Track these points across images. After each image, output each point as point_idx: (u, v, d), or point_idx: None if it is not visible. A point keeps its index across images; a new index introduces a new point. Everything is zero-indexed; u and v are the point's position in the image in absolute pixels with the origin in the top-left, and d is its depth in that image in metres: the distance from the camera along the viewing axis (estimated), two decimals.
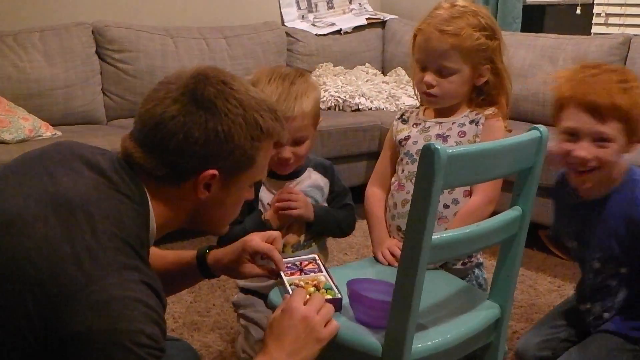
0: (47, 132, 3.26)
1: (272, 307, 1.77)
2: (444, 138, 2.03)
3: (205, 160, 1.37)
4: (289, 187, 2.05)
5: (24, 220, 1.22)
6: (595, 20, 4.19)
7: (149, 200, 1.37)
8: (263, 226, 1.98)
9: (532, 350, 2.14)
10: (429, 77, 1.99)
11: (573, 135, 1.88)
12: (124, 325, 1.17)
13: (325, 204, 2.14)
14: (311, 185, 2.11)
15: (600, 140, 1.85)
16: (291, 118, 1.93)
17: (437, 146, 1.35)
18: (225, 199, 1.45)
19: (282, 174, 2.05)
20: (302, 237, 2.09)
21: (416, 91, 2.14)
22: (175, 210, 1.42)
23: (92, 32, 3.77)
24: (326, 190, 2.14)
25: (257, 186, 2.02)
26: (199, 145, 1.35)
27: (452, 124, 2.05)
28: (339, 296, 1.69)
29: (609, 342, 2.03)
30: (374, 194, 2.18)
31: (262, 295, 2.16)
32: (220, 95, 1.37)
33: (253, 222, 2.01)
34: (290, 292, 1.69)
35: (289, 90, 1.95)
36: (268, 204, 2.05)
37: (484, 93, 2.05)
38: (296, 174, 2.09)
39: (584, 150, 1.86)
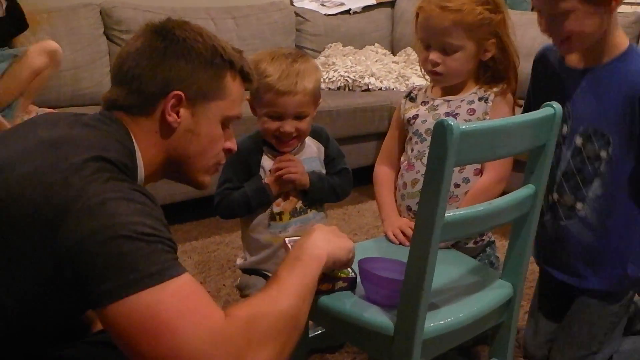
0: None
1: None
2: (453, 116, 2.01)
3: (167, 82, 1.41)
4: (288, 155, 2.13)
5: (12, 163, 1.26)
6: None
7: (134, 141, 1.41)
8: (263, 190, 2.10)
9: (540, 353, 2.16)
10: (434, 56, 1.97)
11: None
12: (123, 219, 1.18)
13: (324, 170, 2.21)
14: (309, 156, 2.18)
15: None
16: (293, 92, 2.02)
17: (450, 122, 1.33)
18: (197, 128, 1.47)
19: (284, 151, 2.13)
20: (299, 204, 2.17)
21: (424, 71, 2.12)
22: (154, 145, 1.44)
23: (100, 13, 3.75)
24: (322, 156, 2.21)
25: (258, 156, 2.13)
26: (160, 68, 1.41)
27: (461, 101, 2.03)
28: (353, 275, 1.68)
29: (589, 315, 2.02)
30: (382, 172, 2.17)
31: (265, 274, 2.17)
32: (179, 27, 1.45)
33: (253, 186, 2.11)
34: None
35: (291, 67, 2.03)
36: (270, 170, 2.13)
37: (491, 69, 2.03)
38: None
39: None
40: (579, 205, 1.96)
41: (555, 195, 2.00)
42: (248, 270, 2.22)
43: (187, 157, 1.48)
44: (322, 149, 2.22)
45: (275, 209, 2.15)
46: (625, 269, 1.94)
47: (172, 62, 1.42)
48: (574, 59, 1.94)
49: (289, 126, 2.06)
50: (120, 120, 1.42)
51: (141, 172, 1.42)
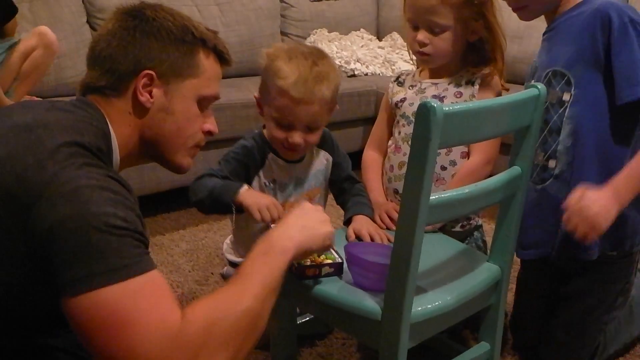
0: None
1: None
2: (440, 99, 2.01)
3: (138, 61, 1.40)
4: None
5: None
6: None
7: (109, 124, 1.40)
8: (230, 200, 1.85)
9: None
10: (421, 36, 1.97)
11: None
12: (94, 209, 1.16)
13: (325, 182, 2.10)
14: (317, 169, 2.06)
15: None
16: (309, 102, 1.85)
17: (433, 104, 1.32)
18: (171, 107, 1.45)
19: (289, 159, 2.00)
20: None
21: (412, 55, 2.11)
22: (128, 126, 1.43)
23: (82, 1, 3.71)
24: (329, 165, 2.09)
25: (259, 162, 1.98)
26: (130, 47, 1.40)
27: (448, 84, 2.03)
28: (339, 260, 1.67)
29: (582, 307, 1.95)
30: (371, 157, 2.16)
31: None
32: (150, 8, 1.46)
33: (227, 189, 1.88)
34: None
35: (310, 71, 1.85)
36: (265, 183, 2.00)
37: (479, 51, 2.02)
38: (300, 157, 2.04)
39: None
40: (551, 163, 1.88)
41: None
42: (234, 264, 2.21)
43: (162, 136, 1.46)
44: (330, 158, 2.09)
45: (274, 224, 2.00)
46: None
47: (142, 41, 1.41)
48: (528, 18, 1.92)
49: (298, 137, 1.90)
50: (95, 103, 1.41)
51: (116, 155, 1.41)
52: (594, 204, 1.64)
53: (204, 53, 1.48)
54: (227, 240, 2.27)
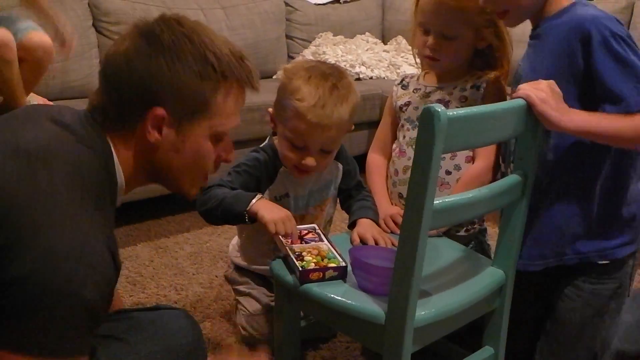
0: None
1: (275, 276, 1.76)
2: (445, 103, 2.01)
3: (149, 97, 1.31)
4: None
5: None
6: None
7: (112, 149, 1.34)
8: (243, 209, 1.80)
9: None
10: (432, 41, 1.96)
11: None
12: (60, 281, 1.12)
13: (335, 191, 2.08)
14: (326, 180, 2.04)
15: None
16: (327, 127, 1.80)
17: (437, 109, 1.33)
18: (182, 146, 1.37)
19: (298, 178, 1.96)
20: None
21: (416, 58, 2.11)
22: (136, 157, 1.37)
23: (88, 4, 3.71)
24: (340, 174, 2.07)
25: (271, 175, 1.95)
26: (141, 79, 1.30)
27: (454, 88, 2.03)
28: (343, 264, 1.68)
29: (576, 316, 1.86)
30: (375, 160, 2.16)
31: (258, 274, 2.16)
32: (168, 30, 1.32)
33: (239, 198, 1.82)
34: (295, 259, 1.68)
35: (329, 94, 1.79)
36: (276, 197, 1.96)
37: (486, 56, 2.02)
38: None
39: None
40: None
41: (506, 168, 1.91)
42: (240, 268, 2.21)
43: (170, 171, 1.41)
44: (340, 167, 2.06)
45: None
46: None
47: (156, 76, 1.30)
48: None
49: (312, 161, 1.86)
50: (101, 127, 1.34)
51: (121, 179, 1.36)
52: (552, 92, 1.61)
53: (224, 89, 1.36)
54: (233, 242, 2.26)
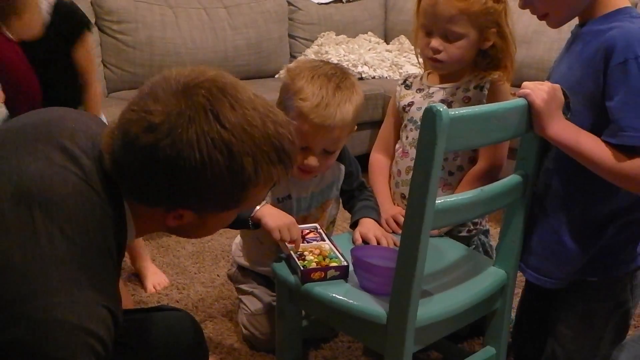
0: None
1: (276, 276, 1.76)
2: (448, 104, 2.00)
3: (174, 201, 1.22)
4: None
5: None
6: None
7: (126, 209, 1.27)
8: (247, 216, 1.78)
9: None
10: (436, 42, 1.94)
11: None
12: (52, 350, 1.08)
13: (337, 192, 2.06)
14: (330, 181, 2.02)
15: None
16: (330, 128, 1.78)
17: (439, 108, 1.33)
18: (204, 224, 1.31)
19: (300, 179, 1.93)
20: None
21: (419, 58, 2.10)
22: (151, 224, 1.31)
23: (91, 3, 3.71)
24: (342, 175, 2.05)
25: None
26: (167, 186, 1.19)
27: (457, 89, 2.02)
28: (345, 264, 1.68)
29: (580, 329, 1.80)
30: (378, 160, 2.15)
31: (259, 275, 2.15)
32: (206, 134, 1.16)
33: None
34: (296, 259, 1.68)
35: (333, 95, 1.77)
36: (277, 199, 1.93)
37: (490, 57, 2.02)
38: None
39: None
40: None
41: None
42: (243, 267, 2.20)
43: (190, 236, 1.37)
44: (343, 168, 2.04)
45: None
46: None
47: (181, 185, 1.18)
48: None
49: (314, 161, 1.84)
50: (118, 186, 1.24)
51: (131, 236, 1.31)
52: (553, 97, 1.58)
53: (254, 190, 1.26)
54: (236, 241, 2.25)
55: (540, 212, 1.73)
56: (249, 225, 1.79)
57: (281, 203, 1.94)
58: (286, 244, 1.75)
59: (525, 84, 1.60)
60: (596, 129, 1.58)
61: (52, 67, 2.31)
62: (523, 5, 1.73)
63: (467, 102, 1.99)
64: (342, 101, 1.79)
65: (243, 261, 2.18)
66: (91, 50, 2.38)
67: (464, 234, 2.04)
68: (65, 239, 1.12)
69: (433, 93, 2.05)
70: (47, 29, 2.25)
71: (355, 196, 2.07)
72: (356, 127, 1.92)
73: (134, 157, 1.18)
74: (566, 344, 1.81)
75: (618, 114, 1.53)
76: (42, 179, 1.16)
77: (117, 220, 1.23)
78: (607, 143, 1.55)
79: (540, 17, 1.74)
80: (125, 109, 1.21)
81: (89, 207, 1.18)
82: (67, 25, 2.27)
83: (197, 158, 1.15)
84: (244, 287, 2.18)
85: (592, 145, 1.56)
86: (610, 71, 1.53)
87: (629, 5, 1.65)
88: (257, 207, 1.77)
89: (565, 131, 1.58)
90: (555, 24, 1.73)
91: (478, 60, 2.02)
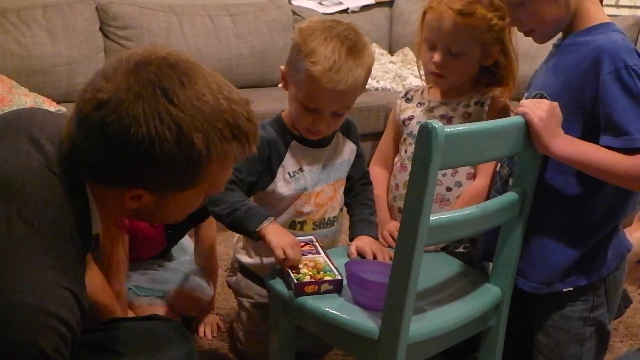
0: (51, 107, 3.22)
1: (269, 289, 1.76)
2: (448, 119, 2.00)
3: (127, 179, 1.22)
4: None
5: None
6: (605, 1, 4.11)
7: (89, 194, 1.27)
8: (253, 230, 1.76)
9: None
10: (438, 57, 1.94)
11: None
12: (13, 334, 1.09)
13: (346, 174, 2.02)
14: (343, 159, 1.98)
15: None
16: (341, 92, 1.75)
17: (434, 125, 1.32)
18: (165, 206, 1.30)
19: (310, 138, 1.89)
20: (332, 214, 1.98)
21: (421, 71, 2.10)
22: (113, 207, 1.31)
23: (96, 8, 3.74)
24: (352, 158, 2.02)
25: (280, 152, 1.89)
26: (118, 164, 1.20)
27: (457, 104, 2.01)
28: (339, 278, 1.67)
29: (559, 336, 1.80)
30: (376, 173, 2.14)
31: (262, 281, 2.12)
32: (153, 109, 1.17)
33: (251, 217, 1.77)
34: (290, 272, 1.67)
35: (345, 59, 1.73)
36: (290, 173, 1.90)
37: (492, 73, 2.01)
38: (326, 140, 1.94)
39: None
40: (510, 181, 1.78)
41: (498, 166, 1.90)
42: (247, 272, 2.12)
43: (151, 219, 1.38)
44: (355, 149, 2.02)
45: (298, 217, 1.94)
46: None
47: (132, 160, 1.19)
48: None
49: (324, 124, 1.82)
50: (79, 171, 1.25)
51: (96, 223, 1.32)
52: (552, 114, 1.59)
53: (212, 168, 1.26)
54: (239, 245, 2.15)
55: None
56: (254, 238, 1.78)
57: (293, 177, 1.91)
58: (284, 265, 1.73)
59: (523, 102, 1.61)
60: (579, 134, 1.63)
61: (183, 233, 2.36)
62: (511, 22, 1.77)
63: (468, 117, 1.99)
64: (354, 65, 1.75)
65: (247, 258, 2.09)
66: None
67: (460, 250, 2.03)
68: (23, 223, 1.14)
69: (433, 108, 2.05)
70: None
71: (357, 192, 2.04)
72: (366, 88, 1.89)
73: (86, 135, 1.19)
74: (548, 353, 1.82)
75: (621, 119, 1.57)
76: (4, 166, 1.19)
77: (79, 204, 1.25)
78: (608, 148, 1.58)
79: (526, 34, 1.77)
80: (80, 91, 1.23)
81: (49, 191, 1.19)
82: None
83: (145, 134, 1.15)
84: (245, 302, 2.12)
85: (600, 155, 1.59)
86: (603, 80, 1.58)
87: (609, 20, 1.72)
88: (265, 223, 1.75)
89: (570, 146, 1.60)
90: (541, 39, 1.77)
91: (480, 76, 2.02)
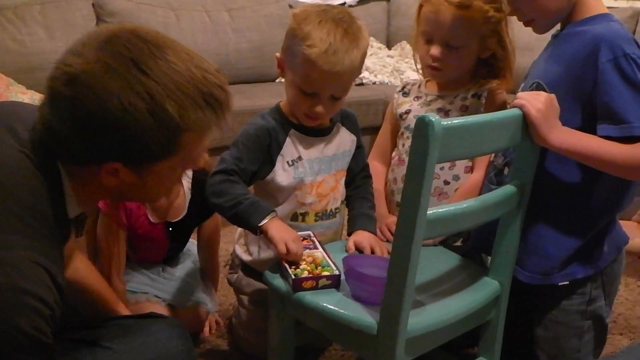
0: None
1: (268, 285, 1.75)
2: (445, 112, 2.00)
3: (102, 153, 1.23)
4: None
5: None
6: None
7: (63, 177, 1.28)
8: (256, 225, 1.75)
9: None
10: (436, 50, 1.93)
11: None
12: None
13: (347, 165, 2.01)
14: (340, 149, 1.97)
15: None
16: (338, 74, 1.74)
17: (431, 118, 1.32)
18: (142, 182, 1.29)
19: (308, 125, 1.89)
20: (334, 205, 1.96)
21: (418, 65, 2.09)
22: (90, 187, 1.31)
23: (93, 5, 3.72)
24: (353, 148, 2.01)
25: (280, 140, 1.87)
26: (91, 138, 1.21)
27: (455, 97, 2.01)
28: (337, 273, 1.67)
29: (557, 330, 1.82)
30: (374, 168, 2.13)
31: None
32: (125, 81, 1.18)
33: (254, 211, 1.76)
34: (288, 267, 1.67)
35: (341, 40, 1.73)
36: (288, 162, 1.88)
37: (489, 65, 2.01)
38: (326, 130, 1.94)
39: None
40: (506, 170, 1.79)
41: (492, 157, 1.90)
42: (248, 269, 2.09)
43: (130, 198, 1.38)
44: (355, 140, 2.01)
45: (300, 208, 1.92)
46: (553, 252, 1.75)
47: (107, 132, 1.19)
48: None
49: (321, 108, 1.81)
50: (52, 152, 1.26)
51: (72, 206, 1.32)
52: (550, 106, 1.59)
53: (186, 137, 1.26)
54: (237, 236, 2.14)
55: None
56: (256, 232, 1.78)
57: (292, 166, 1.90)
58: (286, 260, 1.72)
59: (520, 94, 1.61)
60: (579, 123, 1.64)
61: (186, 232, 2.31)
62: (511, 12, 1.77)
63: (465, 110, 1.98)
64: (350, 47, 1.75)
65: (248, 256, 2.06)
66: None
67: (458, 243, 2.02)
68: (1, 201, 1.16)
69: (431, 101, 2.04)
70: (190, 206, 2.21)
71: (357, 186, 2.03)
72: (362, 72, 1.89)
73: (58, 112, 1.21)
74: (547, 346, 1.82)
75: (619, 107, 1.57)
76: None
77: (53, 187, 1.25)
78: (606, 138, 1.59)
79: (526, 23, 1.77)
80: (51, 70, 1.24)
81: (20, 173, 1.21)
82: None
83: (117, 105, 1.17)
84: (245, 300, 2.11)
85: (599, 145, 1.59)
86: (601, 68, 1.59)
87: (607, 12, 1.72)
88: (266, 220, 1.75)
89: (568, 138, 1.60)
90: (541, 29, 1.78)
91: (477, 69, 2.02)
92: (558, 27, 1.80)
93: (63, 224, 1.31)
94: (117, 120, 1.18)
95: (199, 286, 2.29)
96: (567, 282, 1.75)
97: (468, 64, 1.98)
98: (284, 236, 1.72)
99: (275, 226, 1.75)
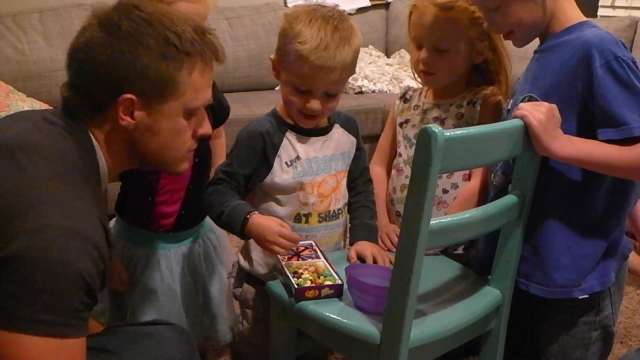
0: None
1: (271, 293, 1.75)
2: (441, 121, 2.00)
3: (116, 85, 1.36)
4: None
5: None
6: (601, 2, 4.14)
7: (92, 136, 1.40)
8: (239, 233, 1.78)
9: None
10: (425, 55, 1.95)
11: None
12: (55, 254, 1.16)
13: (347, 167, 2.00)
14: (339, 150, 1.96)
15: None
16: (330, 69, 1.75)
17: (434, 129, 1.32)
18: (156, 126, 1.42)
19: (305, 127, 1.89)
20: (337, 206, 1.94)
21: (415, 74, 2.09)
22: (115, 142, 1.43)
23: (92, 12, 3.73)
24: (352, 150, 2.00)
25: (275, 141, 1.87)
26: (106, 69, 1.35)
27: (450, 105, 2.01)
28: (339, 282, 1.67)
29: (564, 341, 1.80)
30: (376, 174, 2.13)
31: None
32: (126, 16, 1.36)
33: (233, 218, 1.78)
34: (290, 277, 1.67)
35: (331, 36, 1.74)
36: (287, 162, 1.87)
37: (483, 71, 2.01)
38: (323, 130, 1.93)
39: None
40: (510, 187, 1.76)
41: (491, 176, 1.88)
42: (250, 277, 2.03)
43: (150, 154, 1.46)
44: (355, 142, 2.00)
45: (303, 209, 1.90)
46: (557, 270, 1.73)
47: (118, 65, 1.35)
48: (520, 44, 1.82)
49: (315, 104, 1.81)
50: (78, 116, 1.40)
51: (103, 165, 1.42)
52: (551, 116, 1.59)
53: (188, 67, 1.41)
54: (243, 255, 2.05)
55: (530, 218, 1.73)
56: (246, 238, 1.80)
57: (291, 166, 1.89)
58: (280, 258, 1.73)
59: (521, 105, 1.61)
60: (575, 131, 1.64)
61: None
62: (488, 26, 1.78)
63: (460, 118, 1.98)
64: (341, 42, 1.76)
65: (250, 267, 1.99)
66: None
67: (459, 252, 2.03)
68: (48, 162, 1.27)
69: (427, 110, 2.05)
70: None
71: (358, 192, 2.02)
72: (356, 70, 1.92)
73: (75, 66, 1.38)
74: (551, 357, 1.82)
75: (617, 110, 1.58)
76: (19, 136, 1.32)
77: (91, 156, 1.39)
78: (608, 141, 1.59)
79: (506, 36, 1.79)
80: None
81: (65, 147, 1.33)
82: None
83: (125, 30, 1.34)
84: (249, 314, 2.06)
85: (601, 150, 1.60)
86: (595, 73, 1.59)
87: (586, 19, 1.73)
88: (246, 222, 1.76)
89: (570, 146, 1.60)
90: (520, 42, 1.78)
91: (472, 76, 2.02)
92: (537, 42, 1.79)
93: (101, 189, 1.43)
94: (127, 48, 1.34)
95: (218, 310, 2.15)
96: (587, 296, 1.73)
97: (459, 68, 1.98)
98: (269, 227, 1.74)
99: (257, 223, 1.75)
